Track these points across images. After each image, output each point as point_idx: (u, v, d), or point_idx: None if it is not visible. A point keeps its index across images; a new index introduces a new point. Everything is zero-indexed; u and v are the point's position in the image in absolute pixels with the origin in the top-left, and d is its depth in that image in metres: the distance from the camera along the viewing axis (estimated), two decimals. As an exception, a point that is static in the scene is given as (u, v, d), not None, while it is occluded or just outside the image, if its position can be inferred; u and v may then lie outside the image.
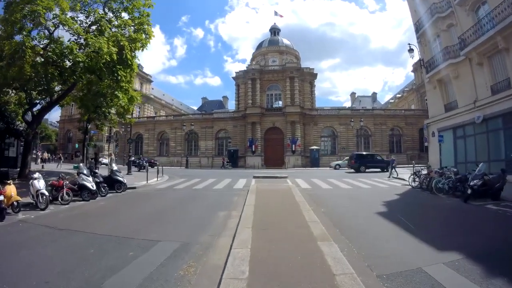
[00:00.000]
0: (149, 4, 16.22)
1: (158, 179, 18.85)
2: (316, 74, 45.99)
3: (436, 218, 8.26)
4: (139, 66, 55.58)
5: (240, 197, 10.86)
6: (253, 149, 41.35)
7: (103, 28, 14.88)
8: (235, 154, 40.67)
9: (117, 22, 15.83)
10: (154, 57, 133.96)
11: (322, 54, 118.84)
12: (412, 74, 52.63)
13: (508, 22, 11.43)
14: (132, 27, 16.29)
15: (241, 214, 7.51)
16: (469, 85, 15.00)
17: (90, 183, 10.95)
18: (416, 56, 40.98)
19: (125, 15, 16.44)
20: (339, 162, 34.65)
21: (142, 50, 17.29)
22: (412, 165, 31.53)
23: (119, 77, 15.27)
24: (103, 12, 15.71)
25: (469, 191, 10.61)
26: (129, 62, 15.27)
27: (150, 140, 47.10)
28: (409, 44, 18.77)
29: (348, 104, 65.14)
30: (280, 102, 44.21)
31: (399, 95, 59.69)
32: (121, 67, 15.14)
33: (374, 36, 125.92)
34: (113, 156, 25.38)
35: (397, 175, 19.13)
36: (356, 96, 66.74)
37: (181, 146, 45.64)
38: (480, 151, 14.51)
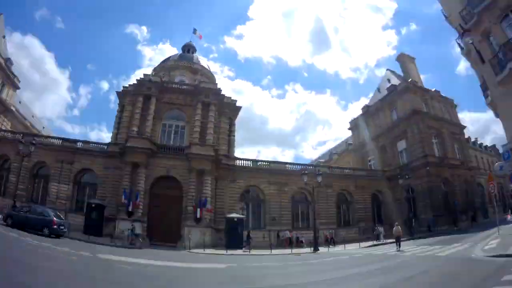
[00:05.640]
0: None
1: None
2: (239, 108, 32.47)
3: None
4: (8, 60, 33.12)
5: None
6: (131, 208, 23.15)
7: None
8: (99, 212, 22.19)
9: None
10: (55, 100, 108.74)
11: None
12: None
13: None
14: None
15: None
16: None
17: None
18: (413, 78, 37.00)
19: None
20: None
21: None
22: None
23: None
24: None
25: None
26: None
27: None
28: (460, 25, 12.24)
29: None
30: (184, 140, 28.00)
31: (328, 159, 55.33)
32: None
33: (272, 118, 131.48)
34: None
35: None
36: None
37: (24, 185, 24.11)
38: None
